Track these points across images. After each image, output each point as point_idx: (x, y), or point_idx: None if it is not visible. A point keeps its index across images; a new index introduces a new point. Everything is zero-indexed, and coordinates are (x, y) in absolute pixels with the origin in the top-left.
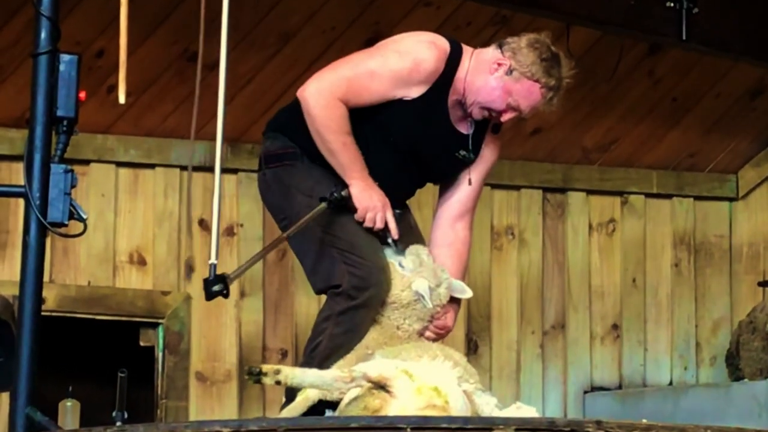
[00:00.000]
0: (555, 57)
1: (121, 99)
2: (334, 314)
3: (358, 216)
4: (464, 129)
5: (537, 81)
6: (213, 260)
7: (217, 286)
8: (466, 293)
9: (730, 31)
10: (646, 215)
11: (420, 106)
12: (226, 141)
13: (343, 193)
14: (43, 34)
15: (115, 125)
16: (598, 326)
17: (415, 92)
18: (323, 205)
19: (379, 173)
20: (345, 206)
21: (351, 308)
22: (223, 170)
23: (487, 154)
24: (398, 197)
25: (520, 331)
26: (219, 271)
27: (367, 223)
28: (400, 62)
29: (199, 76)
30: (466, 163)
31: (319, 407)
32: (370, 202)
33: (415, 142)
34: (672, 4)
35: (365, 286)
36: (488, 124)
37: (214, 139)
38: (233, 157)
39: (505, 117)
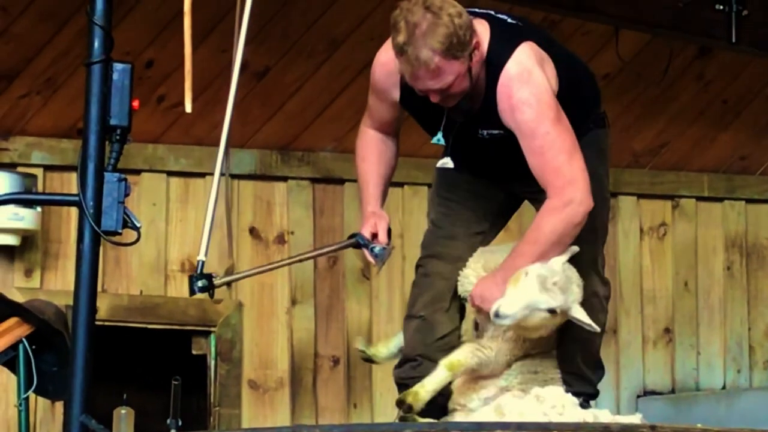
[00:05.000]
0: (394, 25)
1: (188, 107)
2: None
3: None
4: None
5: None
6: (201, 257)
7: (201, 282)
8: None
9: None
10: (697, 218)
11: (405, 102)
12: (276, 149)
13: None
14: (96, 44)
15: (165, 134)
16: (650, 330)
17: (395, 94)
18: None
19: (468, 165)
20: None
21: None
22: (273, 178)
23: (514, 122)
24: (505, 179)
25: None
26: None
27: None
28: None
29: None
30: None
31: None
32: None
33: (433, 128)
34: (721, 7)
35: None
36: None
37: (263, 147)
38: (283, 164)
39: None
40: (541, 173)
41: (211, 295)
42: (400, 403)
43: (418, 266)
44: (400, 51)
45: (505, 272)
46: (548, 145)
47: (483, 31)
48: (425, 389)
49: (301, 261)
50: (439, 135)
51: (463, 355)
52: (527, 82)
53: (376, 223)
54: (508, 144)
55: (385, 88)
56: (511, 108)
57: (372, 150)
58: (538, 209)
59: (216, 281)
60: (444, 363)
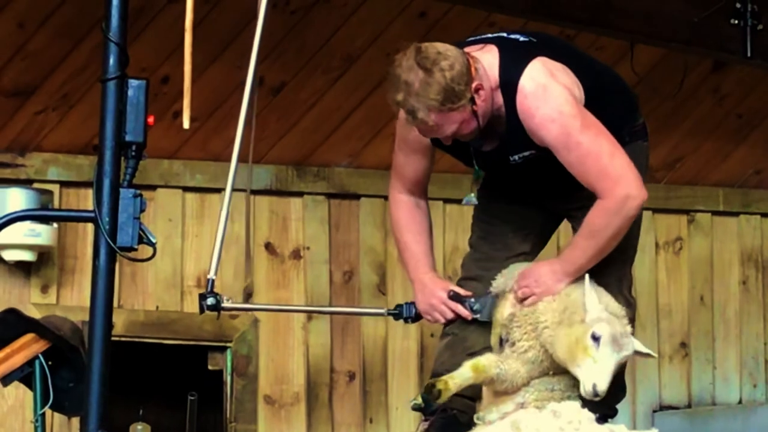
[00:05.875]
0: (390, 80)
1: (186, 124)
2: None
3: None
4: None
5: None
6: (212, 275)
7: (210, 300)
8: None
9: None
10: (712, 233)
11: (435, 141)
12: (292, 164)
13: (397, 309)
14: (111, 60)
15: (181, 150)
16: (666, 345)
17: (425, 138)
18: (385, 311)
19: (504, 191)
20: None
21: None
22: (289, 193)
23: (544, 141)
24: (543, 197)
25: None
26: (279, 294)
27: (438, 321)
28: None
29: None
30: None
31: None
32: (424, 304)
33: (468, 160)
34: (736, 21)
35: None
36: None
37: (279, 162)
38: (299, 180)
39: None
40: (587, 180)
41: (218, 315)
42: (430, 388)
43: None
44: (399, 108)
45: (563, 264)
46: (584, 153)
47: (491, 59)
48: (453, 381)
49: (323, 313)
50: (477, 169)
51: (488, 361)
52: (544, 98)
53: (447, 284)
54: (542, 163)
55: (415, 135)
56: (537, 127)
57: (412, 219)
58: (575, 227)
59: (225, 304)
60: (469, 363)
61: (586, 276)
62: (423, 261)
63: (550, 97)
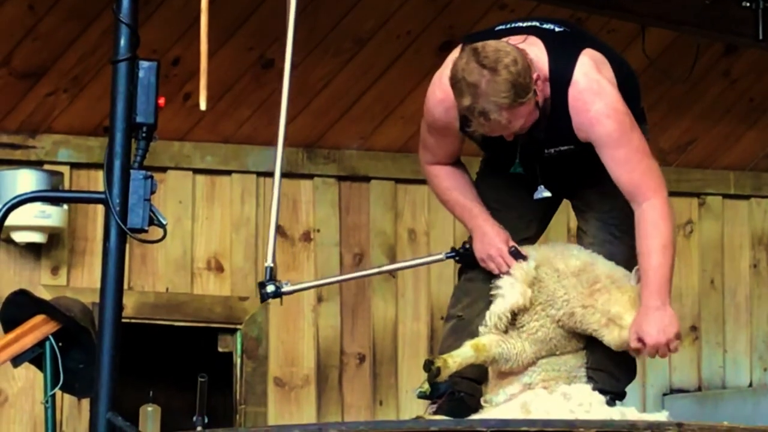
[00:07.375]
0: (453, 86)
1: (202, 105)
2: None
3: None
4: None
5: None
6: (269, 263)
7: (270, 286)
8: None
9: None
10: (723, 216)
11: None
12: (302, 147)
13: (467, 246)
14: (122, 41)
15: (191, 132)
16: None
17: (456, 125)
18: (442, 256)
19: (513, 179)
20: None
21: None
22: (299, 176)
23: (593, 136)
24: (550, 182)
25: None
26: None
27: (493, 271)
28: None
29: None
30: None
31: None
32: (482, 252)
33: (489, 148)
34: (748, 4)
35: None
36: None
37: (289, 144)
38: (309, 162)
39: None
40: (629, 179)
41: (281, 302)
42: (428, 365)
43: (461, 272)
44: (468, 113)
45: (661, 294)
46: (633, 151)
47: (539, 52)
48: (453, 359)
49: (381, 273)
50: (517, 165)
51: (488, 341)
52: (599, 94)
53: (507, 236)
54: (573, 158)
55: (446, 123)
56: (589, 122)
57: (453, 178)
58: (576, 206)
59: (285, 288)
60: (470, 342)
61: None
62: (476, 209)
63: (603, 92)
